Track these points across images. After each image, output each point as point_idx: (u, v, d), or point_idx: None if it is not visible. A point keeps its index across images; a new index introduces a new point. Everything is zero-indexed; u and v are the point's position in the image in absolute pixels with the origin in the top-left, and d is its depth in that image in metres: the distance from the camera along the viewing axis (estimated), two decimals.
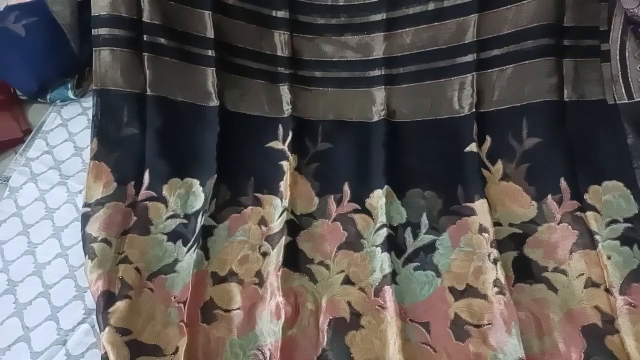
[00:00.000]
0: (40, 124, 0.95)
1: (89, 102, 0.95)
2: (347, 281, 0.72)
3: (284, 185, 0.81)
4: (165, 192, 0.82)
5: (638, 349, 0.63)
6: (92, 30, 0.87)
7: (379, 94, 0.91)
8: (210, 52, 0.89)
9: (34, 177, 0.88)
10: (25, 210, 0.84)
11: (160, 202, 0.81)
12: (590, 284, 0.70)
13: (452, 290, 0.72)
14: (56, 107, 0.97)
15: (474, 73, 0.86)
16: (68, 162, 0.89)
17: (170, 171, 0.83)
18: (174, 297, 0.72)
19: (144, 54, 0.88)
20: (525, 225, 0.77)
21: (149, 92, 0.88)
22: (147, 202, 0.81)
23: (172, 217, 0.80)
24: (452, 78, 0.89)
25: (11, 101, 0.96)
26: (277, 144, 0.88)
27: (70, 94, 0.96)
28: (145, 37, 0.87)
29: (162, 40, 0.88)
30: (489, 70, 0.87)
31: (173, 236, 0.78)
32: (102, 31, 0.87)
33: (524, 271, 0.73)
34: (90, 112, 0.93)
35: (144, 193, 0.81)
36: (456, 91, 0.88)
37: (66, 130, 0.94)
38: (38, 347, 0.71)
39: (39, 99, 0.97)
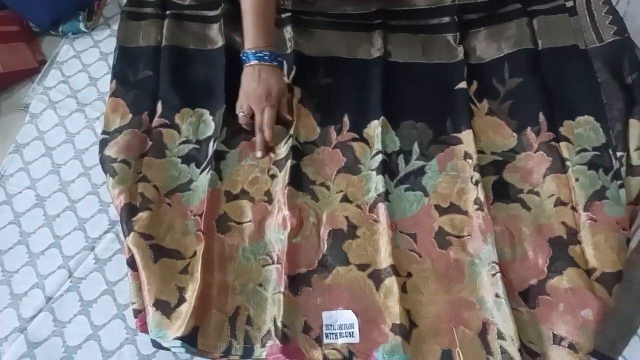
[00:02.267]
0: (54, 56, 1.05)
1: (100, 34, 1.07)
2: (345, 199, 0.85)
3: (290, 115, 0.93)
4: (177, 120, 0.93)
5: (595, 256, 0.77)
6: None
7: (377, 37, 1.03)
8: (219, 11, 1.05)
9: (53, 105, 0.98)
10: (47, 134, 0.95)
11: (173, 129, 0.93)
12: (559, 203, 0.83)
13: (437, 207, 0.85)
14: (68, 40, 1.07)
15: (457, 33, 1.02)
16: (84, 91, 1.00)
17: (181, 102, 0.95)
18: (190, 211, 0.84)
19: (164, 21, 1.04)
20: (506, 153, 0.90)
21: (164, 44, 1.01)
22: (161, 129, 0.92)
23: (185, 142, 0.91)
24: (439, 35, 1.04)
25: (25, 33, 1.06)
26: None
27: (82, 27, 1.05)
28: (167, 12, 1.05)
29: (183, 11, 1.06)
30: (469, 31, 1.04)
31: (187, 159, 0.90)
32: (131, 8, 1.07)
33: (502, 192, 0.86)
34: (101, 45, 1.06)
35: (157, 120, 0.93)
36: (445, 45, 1.03)
37: (80, 62, 1.04)
38: (69, 252, 0.83)
39: (51, 31, 1.07)
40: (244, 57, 0.90)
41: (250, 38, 0.89)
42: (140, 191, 0.84)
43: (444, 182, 0.87)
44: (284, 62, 0.98)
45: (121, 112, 0.93)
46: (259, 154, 0.89)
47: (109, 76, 0.99)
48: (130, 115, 0.93)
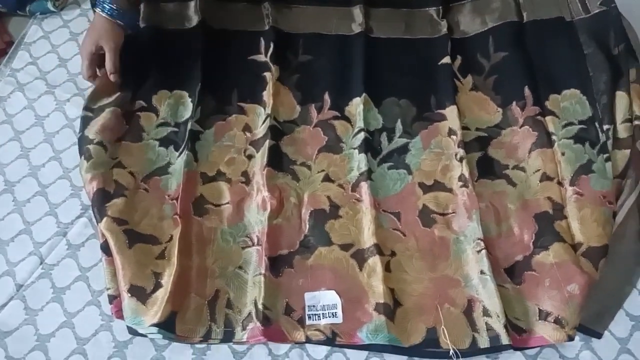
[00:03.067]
0: (21, 36, 1.02)
1: (69, 14, 1.05)
2: (327, 179, 0.85)
3: (267, 94, 0.92)
4: (155, 102, 0.92)
5: (581, 230, 0.78)
6: None
7: (357, 12, 1.01)
8: None
9: (21, 87, 0.96)
10: (15, 118, 0.93)
11: (151, 112, 0.91)
12: (545, 178, 0.83)
13: (421, 185, 0.85)
14: (37, 20, 1.04)
15: (440, 7, 1.01)
16: (53, 73, 0.98)
17: (159, 83, 0.93)
18: (168, 196, 0.83)
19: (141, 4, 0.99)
20: (491, 129, 0.90)
21: (141, 24, 0.97)
22: (139, 113, 0.91)
23: (162, 125, 0.90)
24: (422, 9, 1.02)
25: None
26: (259, 57, 0.97)
27: (51, 6, 1.03)
28: None
29: None
30: (452, 5, 1.03)
31: (165, 142, 0.88)
32: None
33: (487, 169, 0.86)
34: (71, 25, 1.04)
35: (137, 104, 0.91)
36: (428, 20, 1.02)
37: (49, 42, 1.01)
38: (40, 238, 0.82)
39: (18, 12, 1.04)
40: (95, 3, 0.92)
41: None
42: (115, 178, 0.83)
43: (428, 159, 0.87)
44: (262, 40, 0.97)
45: (110, 90, 0.91)
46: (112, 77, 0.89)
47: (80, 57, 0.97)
48: (118, 93, 0.91)
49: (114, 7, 0.88)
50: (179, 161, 0.86)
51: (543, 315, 0.72)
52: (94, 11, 0.92)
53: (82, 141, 0.86)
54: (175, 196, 0.82)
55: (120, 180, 0.82)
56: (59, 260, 0.80)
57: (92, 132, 0.86)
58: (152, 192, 0.83)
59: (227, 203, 0.82)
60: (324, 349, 0.73)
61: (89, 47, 0.87)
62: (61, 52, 1.00)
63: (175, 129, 0.90)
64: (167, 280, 0.73)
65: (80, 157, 0.85)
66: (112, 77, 0.88)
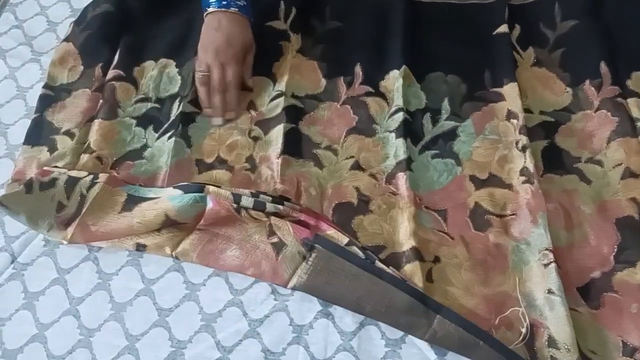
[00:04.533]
0: None
1: None
2: (357, 167, 0.73)
3: (279, 66, 0.81)
4: (136, 74, 0.82)
5: None
6: None
7: None
8: None
9: (3, 53, 0.87)
10: None
11: (130, 83, 0.81)
12: (629, 174, 0.70)
13: (473, 178, 0.72)
14: None
15: None
16: (41, 38, 0.89)
17: (145, 50, 0.84)
18: (140, 185, 0.72)
19: None
20: (558, 113, 0.77)
21: None
22: (115, 83, 0.80)
23: (142, 100, 0.80)
24: None
25: None
26: (278, 24, 0.86)
27: None
28: None
29: None
30: None
31: (143, 120, 0.78)
32: None
33: (555, 161, 0.73)
34: None
35: (112, 72, 0.81)
36: None
37: (37, 3, 0.93)
38: (12, 232, 0.72)
39: None
40: (202, 3, 0.78)
41: None
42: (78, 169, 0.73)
43: (481, 147, 0.75)
44: (282, 4, 0.86)
45: (70, 63, 0.83)
46: (217, 120, 0.77)
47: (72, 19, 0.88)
48: (82, 68, 0.82)
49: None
50: (157, 144, 0.76)
51: (628, 351, 0.59)
52: (206, 11, 0.79)
53: (43, 127, 0.77)
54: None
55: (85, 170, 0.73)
56: (33, 259, 0.69)
57: (58, 118, 0.78)
58: (122, 178, 0.73)
59: None
60: (353, 321, 0.62)
61: (222, 47, 0.77)
62: (51, 15, 0.91)
63: (157, 106, 0.80)
64: None
65: (39, 145, 0.76)
66: (231, 96, 0.79)
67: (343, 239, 0.65)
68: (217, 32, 0.75)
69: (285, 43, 0.82)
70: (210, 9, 0.77)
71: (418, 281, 0.63)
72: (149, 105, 0.80)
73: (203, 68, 0.76)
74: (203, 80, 0.76)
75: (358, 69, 0.81)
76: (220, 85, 0.75)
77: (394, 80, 0.79)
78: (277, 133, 0.75)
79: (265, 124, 0.77)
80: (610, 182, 0.71)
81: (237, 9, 0.77)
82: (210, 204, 0.65)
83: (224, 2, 0.76)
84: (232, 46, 0.75)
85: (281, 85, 0.78)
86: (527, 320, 0.62)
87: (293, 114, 0.77)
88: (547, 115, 0.77)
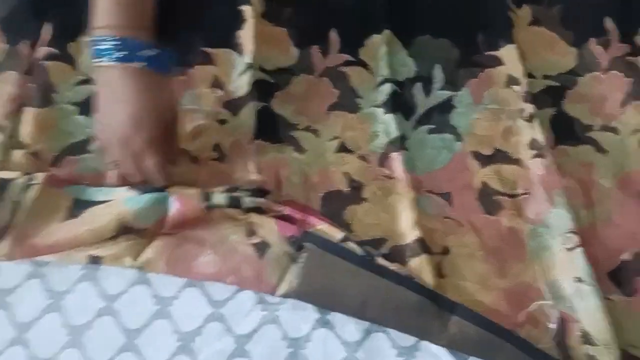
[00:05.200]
0: None
1: None
2: (343, 149, 0.64)
3: (244, 35, 0.70)
4: (71, 50, 0.70)
5: None
6: None
7: None
8: None
9: None
10: None
11: (65, 62, 0.69)
12: None
13: (476, 155, 0.64)
14: None
15: None
16: None
17: (82, 21, 0.70)
18: (88, 185, 0.61)
19: None
20: (564, 76, 0.70)
21: None
22: (47, 62, 0.68)
23: (84, 81, 0.68)
24: None
25: None
26: None
27: None
28: None
29: None
30: None
31: (86, 107, 0.66)
32: None
33: (565, 131, 0.66)
34: None
35: (42, 49, 0.69)
36: None
37: None
38: None
39: None
40: (92, 49, 0.55)
41: (103, 7, 0.55)
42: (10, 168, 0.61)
43: (482, 119, 0.67)
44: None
45: None
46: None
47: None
48: (6, 47, 0.69)
49: (138, 43, 0.55)
50: None
51: None
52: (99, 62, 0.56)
53: None
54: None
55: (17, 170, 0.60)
56: None
57: None
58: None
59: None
60: (357, 329, 0.53)
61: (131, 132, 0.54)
62: None
63: None
64: None
65: None
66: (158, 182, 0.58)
67: (337, 234, 0.56)
68: (116, 109, 0.54)
69: (246, 7, 0.71)
70: (104, 62, 0.53)
71: (427, 277, 0.55)
72: (92, 88, 0.67)
73: (119, 162, 0.57)
74: (120, 178, 0.58)
75: (333, 35, 0.71)
76: (139, 175, 0.56)
77: (377, 47, 0.70)
78: (248, 114, 0.65)
79: (236, 105, 0.66)
80: (629, 151, 0.65)
81: (144, 63, 0.54)
82: (174, 205, 0.54)
83: (122, 54, 0.53)
84: (143, 129, 0.53)
85: (247, 57, 0.68)
86: (556, 314, 0.54)
87: (263, 90, 0.67)
88: (552, 79, 0.70)
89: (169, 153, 0.58)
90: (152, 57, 0.55)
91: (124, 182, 0.58)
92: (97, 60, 0.54)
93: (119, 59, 0.53)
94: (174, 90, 0.61)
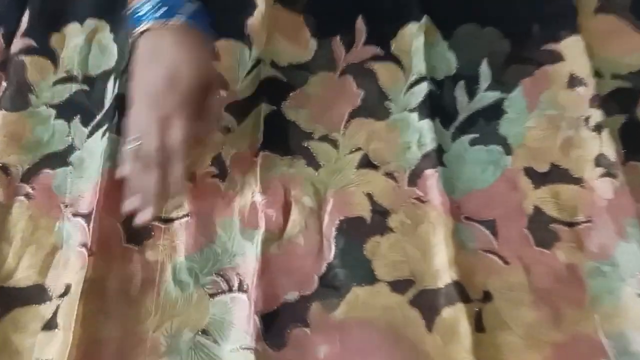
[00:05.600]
0: None
1: None
2: (367, 163, 0.55)
3: (254, 23, 0.62)
4: (53, 43, 0.63)
5: None
6: None
7: None
8: None
9: None
10: None
11: (45, 57, 0.63)
12: None
13: (529, 172, 0.54)
14: None
15: None
16: None
17: (65, 9, 0.65)
18: (65, 204, 0.54)
19: None
20: (637, 76, 0.59)
21: None
22: (24, 57, 0.62)
23: (64, 80, 0.61)
24: None
25: None
26: None
27: None
28: None
29: None
30: None
31: (66, 110, 0.60)
32: None
33: (638, 144, 0.55)
34: None
35: (18, 42, 0.63)
36: None
37: None
38: None
39: None
40: (131, 21, 0.51)
41: None
42: None
43: (537, 128, 0.56)
44: None
45: None
46: (145, 214, 0.49)
47: None
48: None
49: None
50: (89, 144, 0.58)
51: None
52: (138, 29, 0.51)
53: None
54: (80, 208, 0.54)
55: None
56: None
57: None
58: (38, 197, 0.55)
59: (186, 215, 0.53)
60: None
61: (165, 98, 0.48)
62: None
63: (85, 87, 0.61)
64: None
65: None
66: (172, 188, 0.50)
67: None
68: (152, 66, 0.49)
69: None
70: (143, 26, 0.50)
71: (465, 332, 0.46)
72: (74, 87, 0.61)
73: (135, 133, 0.49)
74: (136, 152, 0.49)
75: (360, 23, 0.62)
76: (159, 156, 0.48)
77: (412, 38, 0.60)
78: (254, 120, 0.57)
79: (240, 108, 0.58)
80: None
81: (184, 18, 0.50)
82: None
83: (162, 11, 0.49)
84: (177, 87, 0.48)
85: (255, 51, 0.59)
86: None
87: (274, 91, 0.58)
88: (622, 79, 0.59)
89: (201, 128, 0.51)
90: (193, 13, 0.50)
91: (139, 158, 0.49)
92: (137, 28, 0.50)
93: (159, 18, 0.49)
94: (213, 53, 0.56)
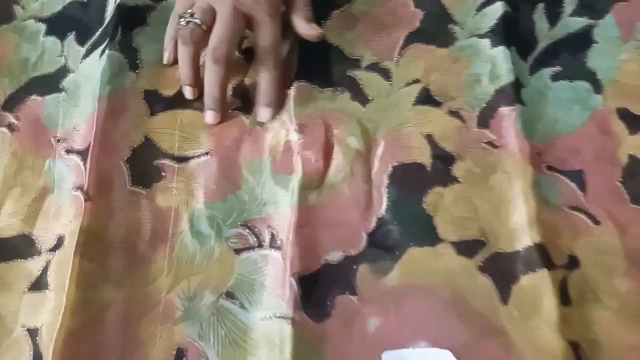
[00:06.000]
0: None
1: None
2: (426, 98, 0.46)
3: None
4: None
5: None
6: None
7: None
8: None
9: None
10: None
11: None
12: None
13: (623, 114, 0.45)
14: None
15: None
16: None
17: None
18: (56, 139, 0.47)
19: None
20: None
21: None
22: None
23: None
24: None
25: None
26: None
27: None
28: None
29: None
30: None
31: (58, 25, 0.53)
32: None
33: None
34: None
35: None
36: None
37: None
38: None
39: None
40: None
41: None
42: None
43: (633, 62, 0.47)
44: None
45: None
46: (210, 116, 0.45)
47: None
48: None
49: None
50: (84, 66, 0.50)
51: None
52: None
53: None
54: (74, 144, 0.46)
55: None
56: None
57: None
58: (25, 129, 0.48)
59: (206, 154, 0.45)
60: None
61: None
62: None
63: None
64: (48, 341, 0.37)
65: None
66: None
67: None
68: None
69: None
70: None
71: (548, 304, 0.37)
72: None
73: (199, 15, 0.44)
74: (187, 33, 0.44)
75: None
76: (222, 47, 0.44)
77: None
78: (287, 43, 0.48)
79: None
80: None
81: None
82: None
83: None
84: None
85: None
86: None
87: (313, 7, 0.49)
88: None
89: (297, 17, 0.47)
90: None
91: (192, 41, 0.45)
92: None
93: None
94: None
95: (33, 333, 0.39)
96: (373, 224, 0.41)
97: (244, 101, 0.48)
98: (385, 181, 0.42)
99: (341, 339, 0.37)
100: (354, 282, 0.39)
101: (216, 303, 0.39)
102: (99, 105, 0.45)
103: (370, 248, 0.40)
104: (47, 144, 0.47)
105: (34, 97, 0.49)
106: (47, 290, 0.40)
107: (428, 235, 0.40)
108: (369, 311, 0.38)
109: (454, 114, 0.45)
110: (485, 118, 0.44)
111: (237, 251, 0.41)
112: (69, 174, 0.45)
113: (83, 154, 0.44)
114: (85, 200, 0.41)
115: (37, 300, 0.40)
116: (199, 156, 0.45)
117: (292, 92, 0.46)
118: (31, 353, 0.38)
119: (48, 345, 0.36)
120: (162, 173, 0.44)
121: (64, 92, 0.49)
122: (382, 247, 0.40)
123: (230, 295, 0.39)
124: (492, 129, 0.44)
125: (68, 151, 0.46)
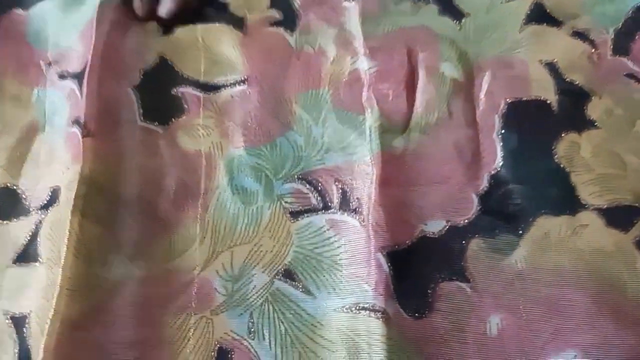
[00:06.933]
0: None
1: None
2: (541, 16, 0.36)
3: None
4: None
5: None
6: None
7: None
8: None
9: None
10: None
11: None
12: None
13: None
14: None
15: None
16: None
17: None
18: (47, 62, 0.37)
19: None
20: None
21: None
22: None
23: None
24: None
25: None
26: None
27: None
28: None
29: None
30: None
31: None
32: None
33: None
34: None
35: None
36: None
37: None
38: None
39: None
40: None
41: None
42: None
43: None
44: None
45: None
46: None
47: None
48: None
49: None
50: None
51: None
52: None
53: None
54: (69, 67, 0.36)
55: None
56: None
57: None
58: (4, 52, 0.38)
59: (242, 82, 0.35)
60: None
61: None
62: None
63: None
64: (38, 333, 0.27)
65: None
66: None
67: None
68: None
69: None
70: None
71: None
72: None
73: None
74: None
75: None
76: None
77: None
78: None
79: None
80: None
81: None
82: None
83: None
84: None
85: None
86: None
87: None
88: None
89: None
90: None
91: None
92: None
93: None
94: None
95: (19, 322, 0.28)
96: (485, 182, 0.31)
97: (286, 14, 0.36)
98: (499, 123, 0.31)
99: (450, 343, 0.27)
100: (463, 263, 0.28)
101: (270, 286, 0.28)
102: (100, 12, 0.35)
103: (484, 216, 0.30)
104: (35, 68, 0.37)
105: (17, 11, 0.39)
106: (37, 264, 0.29)
107: (565, 200, 0.29)
108: (487, 305, 0.28)
109: (580, 35, 0.35)
110: (623, 43, 0.34)
111: (295, 214, 0.30)
112: (63, 106, 0.34)
113: (80, 77, 0.33)
114: (84, 136, 0.30)
115: (24, 276, 0.29)
116: (232, 85, 0.34)
117: (355, 2, 0.35)
118: (16, 350, 0.27)
119: (39, 338, 0.26)
120: (184, 105, 0.33)
121: (56, 10, 0.38)
122: (500, 214, 0.30)
123: (288, 275, 0.29)
124: (633, 56, 0.34)
125: (62, 76, 0.35)
